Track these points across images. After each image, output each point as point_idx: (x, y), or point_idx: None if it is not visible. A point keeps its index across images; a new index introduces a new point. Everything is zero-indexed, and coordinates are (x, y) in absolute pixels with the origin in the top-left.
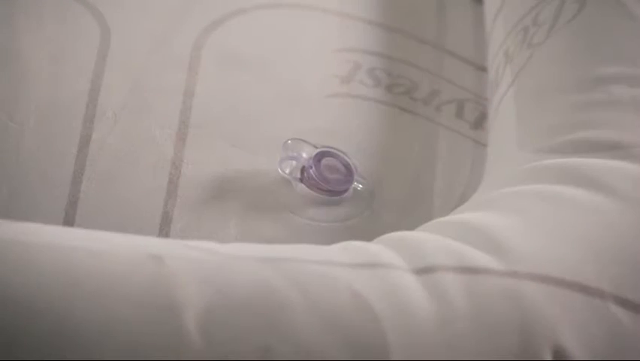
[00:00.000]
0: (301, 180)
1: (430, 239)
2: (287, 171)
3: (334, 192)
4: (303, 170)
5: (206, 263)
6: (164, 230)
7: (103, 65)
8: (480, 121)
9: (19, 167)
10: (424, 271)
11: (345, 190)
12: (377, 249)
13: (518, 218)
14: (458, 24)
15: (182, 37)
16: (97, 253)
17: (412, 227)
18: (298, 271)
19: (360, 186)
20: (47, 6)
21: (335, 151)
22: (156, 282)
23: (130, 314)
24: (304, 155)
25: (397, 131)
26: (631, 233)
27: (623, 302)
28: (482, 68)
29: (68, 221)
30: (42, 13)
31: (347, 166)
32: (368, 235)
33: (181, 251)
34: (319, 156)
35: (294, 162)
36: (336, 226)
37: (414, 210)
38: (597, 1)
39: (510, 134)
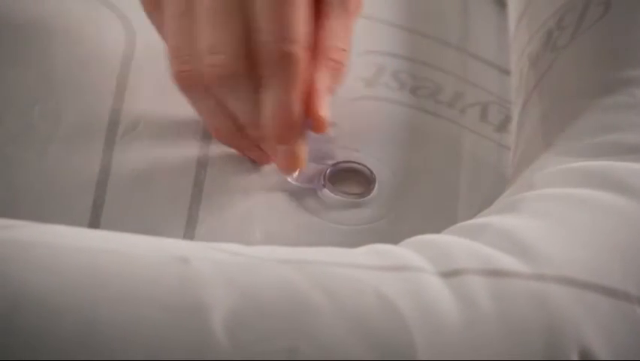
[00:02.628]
0: (324, 185)
1: (456, 242)
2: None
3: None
4: (325, 175)
5: (232, 265)
6: (189, 233)
7: (128, 67)
8: (504, 124)
9: (46, 168)
10: (449, 274)
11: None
12: (402, 252)
13: (544, 221)
14: (482, 27)
15: None
16: (123, 255)
17: (436, 230)
18: (323, 273)
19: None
20: (74, 9)
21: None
22: (182, 284)
23: (156, 316)
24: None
25: (422, 133)
26: None
27: None
28: (506, 71)
29: (94, 223)
30: (69, 15)
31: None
32: (393, 238)
33: (207, 253)
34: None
35: None
36: (360, 228)
37: (438, 213)
38: (622, 3)
39: (534, 137)
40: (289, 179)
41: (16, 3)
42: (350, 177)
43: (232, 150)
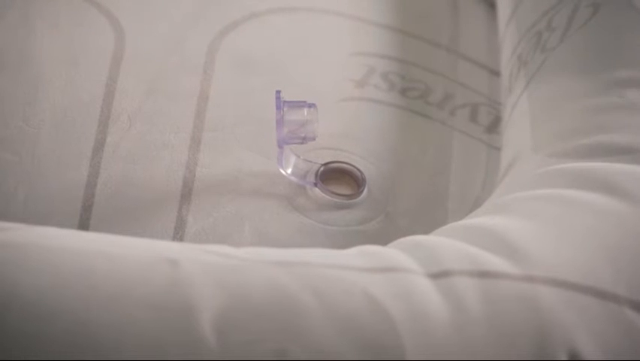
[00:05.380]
0: (315, 183)
1: (445, 243)
2: (289, 171)
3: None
4: (317, 174)
5: (222, 267)
6: (178, 234)
7: (117, 68)
8: (494, 125)
9: (34, 170)
10: (439, 275)
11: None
12: (392, 253)
13: (533, 222)
14: (472, 28)
15: (197, 41)
16: (113, 257)
17: (426, 231)
18: (313, 275)
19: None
20: (63, 10)
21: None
22: (172, 285)
23: (146, 317)
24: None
25: (412, 134)
26: None
27: (638, 307)
28: (496, 72)
29: (83, 225)
30: (58, 17)
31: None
32: (382, 239)
33: (196, 255)
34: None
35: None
36: (350, 230)
37: (428, 214)
38: (611, 5)
39: (524, 138)
40: (283, 172)
41: (3, 5)
42: (340, 178)
43: (221, 151)
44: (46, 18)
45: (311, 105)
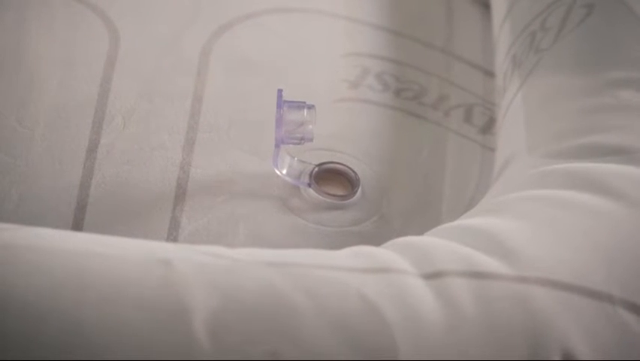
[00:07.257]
0: (309, 184)
1: (439, 244)
2: (284, 171)
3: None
4: (311, 174)
5: (215, 268)
6: (172, 234)
7: (112, 70)
8: (488, 126)
9: (28, 171)
10: (432, 276)
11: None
12: (385, 254)
13: (527, 223)
14: (466, 29)
15: (191, 42)
16: (107, 258)
17: (420, 232)
18: (307, 275)
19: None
20: (57, 11)
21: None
22: (165, 286)
23: (139, 318)
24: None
25: (406, 135)
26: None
27: (632, 307)
28: (490, 73)
29: (77, 225)
30: (52, 18)
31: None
32: (376, 240)
33: (190, 256)
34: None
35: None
36: (344, 230)
37: (422, 215)
38: (605, 6)
39: (518, 139)
40: (278, 172)
41: None
42: (334, 179)
43: (215, 152)
44: (41, 20)
45: (310, 107)
